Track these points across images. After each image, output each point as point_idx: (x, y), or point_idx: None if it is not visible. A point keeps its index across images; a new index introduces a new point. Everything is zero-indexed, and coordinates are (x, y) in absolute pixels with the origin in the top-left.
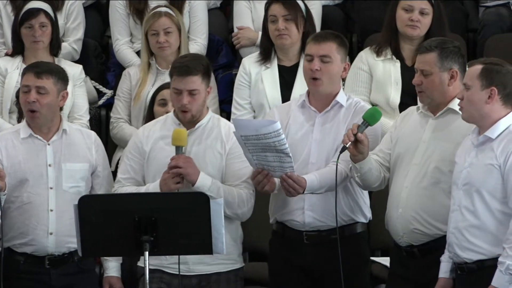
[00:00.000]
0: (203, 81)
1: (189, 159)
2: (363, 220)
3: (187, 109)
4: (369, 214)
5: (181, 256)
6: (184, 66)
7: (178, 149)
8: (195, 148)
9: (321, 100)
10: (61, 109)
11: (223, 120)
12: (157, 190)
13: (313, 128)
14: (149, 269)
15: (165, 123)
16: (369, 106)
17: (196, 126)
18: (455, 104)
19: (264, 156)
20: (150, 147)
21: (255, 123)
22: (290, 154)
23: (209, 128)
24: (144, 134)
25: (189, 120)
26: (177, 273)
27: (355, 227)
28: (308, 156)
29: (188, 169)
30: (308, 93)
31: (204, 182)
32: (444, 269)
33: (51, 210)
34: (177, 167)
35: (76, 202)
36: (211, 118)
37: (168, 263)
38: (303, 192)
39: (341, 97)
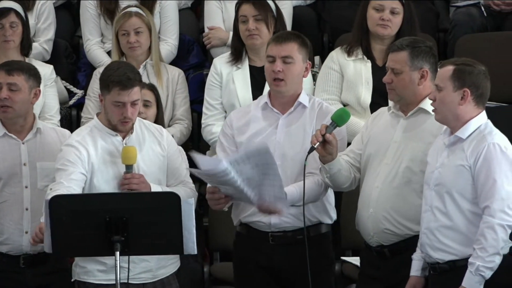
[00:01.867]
0: (140, 89)
1: (141, 178)
2: (328, 221)
3: (129, 120)
4: (334, 215)
5: (144, 265)
6: (126, 79)
7: (129, 167)
8: (139, 155)
9: (283, 101)
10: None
11: (142, 120)
12: None
13: (276, 130)
14: (110, 285)
15: (97, 133)
16: (332, 107)
17: (133, 132)
18: (426, 104)
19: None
20: (98, 160)
21: (205, 164)
22: (245, 189)
23: (139, 130)
24: (84, 148)
25: (129, 129)
26: (144, 282)
27: (320, 227)
28: None
29: (142, 190)
30: (269, 94)
31: None
32: (416, 267)
33: (27, 209)
34: (131, 189)
35: None
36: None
37: (134, 274)
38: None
39: (303, 98)
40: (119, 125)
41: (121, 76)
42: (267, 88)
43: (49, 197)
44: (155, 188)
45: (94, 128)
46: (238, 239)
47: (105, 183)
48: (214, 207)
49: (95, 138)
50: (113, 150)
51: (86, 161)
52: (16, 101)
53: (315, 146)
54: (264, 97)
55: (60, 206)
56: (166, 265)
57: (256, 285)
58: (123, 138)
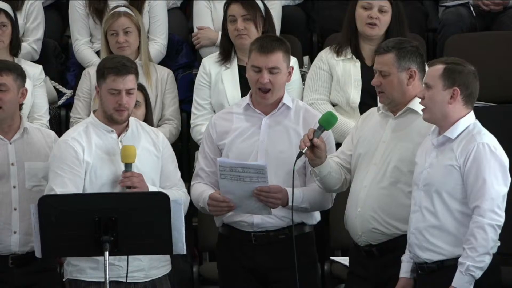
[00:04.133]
0: (136, 79)
1: (141, 177)
2: (311, 221)
3: (125, 108)
4: (318, 217)
5: (137, 263)
6: (122, 65)
7: (128, 166)
8: None
9: (266, 103)
10: (20, 107)
11: (139, 121)
12: None
13: (259, 131)
14: (101, 282)
15: (93, 130)
16: (314, 111)
17: (128, 130)
18: (414, 104)
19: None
20: (92, 158)
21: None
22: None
23: (135, 129)
24: (80, 145)
25: (125, 119)
26: (135, 281)
27: (303, 227)
28: (255, 159)
29: (141, 190)
30: (251, 95)
31: None
32: (405, 269)
33: (15, 209)
34: (131, 187)
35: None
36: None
37: (126, 272)
38: (287, 203)
39: (287, 99)
40: (115, 114)
41: (117, 63)
42: None
43: None
44: (151, 189)
45: (90, 124)
46: (220, 240)
47: (99, 181)
48: (215, 214)
49: (90, 134)
50: (108, 148)
51: (82, 160)
52: (6, 101)
53: (303, 151)
54: (245, 99)
55: (49, 206)
56: (158, 266)
57: (240, 285)
58: (118, 135)
